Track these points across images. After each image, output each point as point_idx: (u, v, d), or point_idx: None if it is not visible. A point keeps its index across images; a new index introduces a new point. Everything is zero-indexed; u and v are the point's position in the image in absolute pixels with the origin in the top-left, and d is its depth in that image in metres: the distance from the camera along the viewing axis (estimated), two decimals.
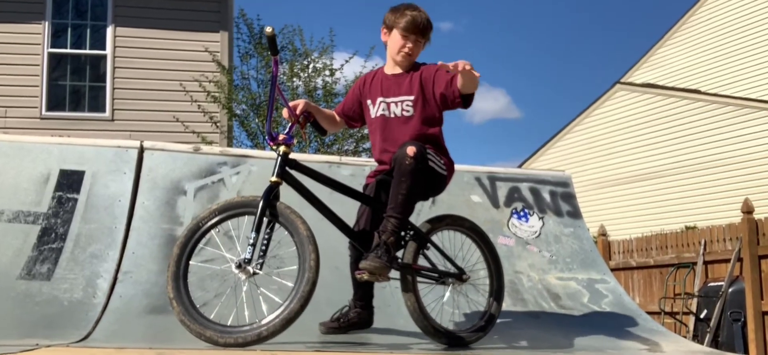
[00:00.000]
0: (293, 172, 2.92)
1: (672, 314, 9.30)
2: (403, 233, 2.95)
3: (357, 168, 4.39)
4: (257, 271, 2.68)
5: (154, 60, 10.37)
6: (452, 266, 3.19)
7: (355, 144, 10.90)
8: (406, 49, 3.07)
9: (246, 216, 2.84)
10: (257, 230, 2.70)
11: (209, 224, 2.81)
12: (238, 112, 10.76)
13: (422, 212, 3.87)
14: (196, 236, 2.79)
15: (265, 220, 2.75)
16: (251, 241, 2.68)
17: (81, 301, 3.30)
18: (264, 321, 2.60)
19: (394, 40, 3.11)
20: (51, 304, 3.25)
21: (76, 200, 3.78)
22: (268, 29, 2.76)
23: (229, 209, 2.85)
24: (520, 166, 17.38)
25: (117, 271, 3.50)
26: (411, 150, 2.80)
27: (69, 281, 3.40)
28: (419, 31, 3.07)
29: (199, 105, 10.12)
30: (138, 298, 3.37)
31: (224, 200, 2.93)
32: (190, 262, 2.76)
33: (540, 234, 4.49)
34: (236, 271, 2.68)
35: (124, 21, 10.42)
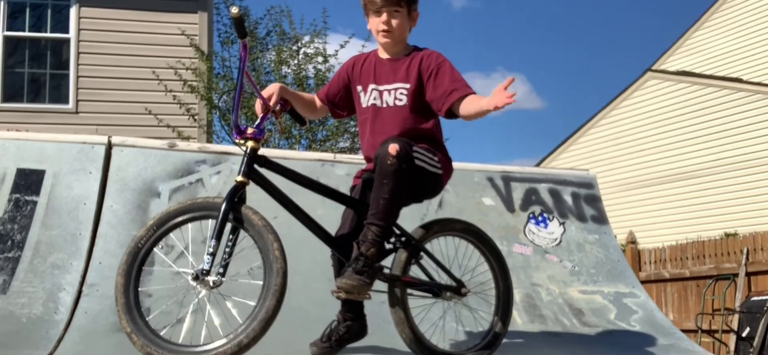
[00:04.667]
0: (263, 170, 2.92)
1: (710, 333, 9.31)
2: (393, 241, 2.94)
3: (353, 167, 4.38)
4: (219, 280, 2.68)
5: (123, 44, 10.37)
6: (449, 278, 3.17)
7: (351, 140, 10.90)
8: (382, 27, 3.05)
9: (198, 221, 2.83)
10: (218, 237, 2.71)
11: (151, 240, 2.80)
12: (218, 103, 10.76)
13: (427, 217, 3.87)
14: (138, 260, 2.78)
15: (229, 225, 2.75)
16: (211, 249, 2.69)
17: (41, 317, 3.30)
18: (241, 328, 2.61)
19: (372, 23, 3.10)
20: (7, 320, 3.25)
21: (35, 203, 3.78)
22: (234, 10, 2.75)
23: (190, 211, 2.84)
24: (538, 165, 17.41)
25: (82, 283, 3.51)
26: (393, 148, 2.78)
27: (27, 294, 3.40)
28: (392, 1, 3.02)
29: (174, 96, 10.12)
30: (105, 314, 3.37)
31: (174, 205, 2.90)
32: (139, 288, 2.77)
33: (561, 242, 4.50)
34: (194, 283, 2.69)
35: (89, 0, 10.42)
